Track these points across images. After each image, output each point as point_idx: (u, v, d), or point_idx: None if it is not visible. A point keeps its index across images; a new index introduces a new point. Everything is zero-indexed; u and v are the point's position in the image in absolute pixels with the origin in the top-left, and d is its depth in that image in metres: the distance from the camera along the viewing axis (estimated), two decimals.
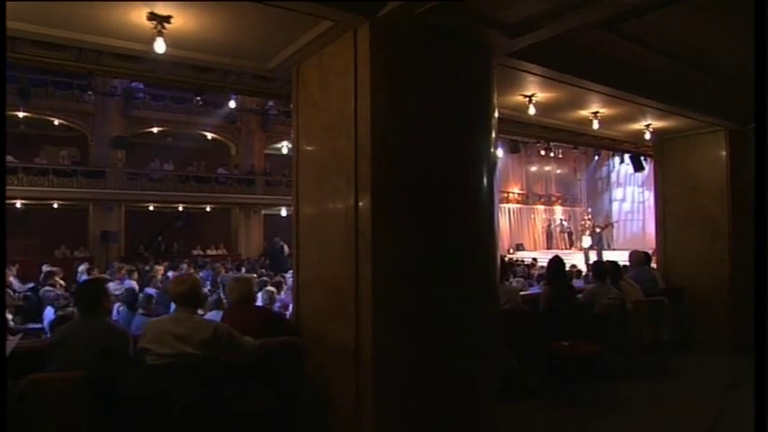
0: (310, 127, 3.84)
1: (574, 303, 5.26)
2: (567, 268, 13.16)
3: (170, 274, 13.39)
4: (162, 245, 20.22)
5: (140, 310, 5.91)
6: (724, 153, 6.76)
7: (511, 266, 14.08)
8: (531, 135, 8.27)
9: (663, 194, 7.40)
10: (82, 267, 12.98)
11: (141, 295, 6.43)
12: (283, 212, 20.63)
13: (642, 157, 11.00)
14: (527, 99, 5.10)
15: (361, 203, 3.21)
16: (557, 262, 5.44)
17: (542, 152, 23.16)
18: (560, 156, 24.81)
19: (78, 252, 18.33)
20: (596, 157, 25.44)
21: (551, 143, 21.09)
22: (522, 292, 5.81)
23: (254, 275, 9.61)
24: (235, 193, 20.50)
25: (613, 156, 24.43)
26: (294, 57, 3.84)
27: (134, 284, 9.07)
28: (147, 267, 14.23)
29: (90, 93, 17.70)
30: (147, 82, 10.64)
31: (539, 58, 4.06)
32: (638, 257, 6.74)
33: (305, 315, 3.91)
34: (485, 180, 3.46)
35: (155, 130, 20.62)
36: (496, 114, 3.64)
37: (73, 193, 17.97)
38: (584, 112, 5.83)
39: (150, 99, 20.23)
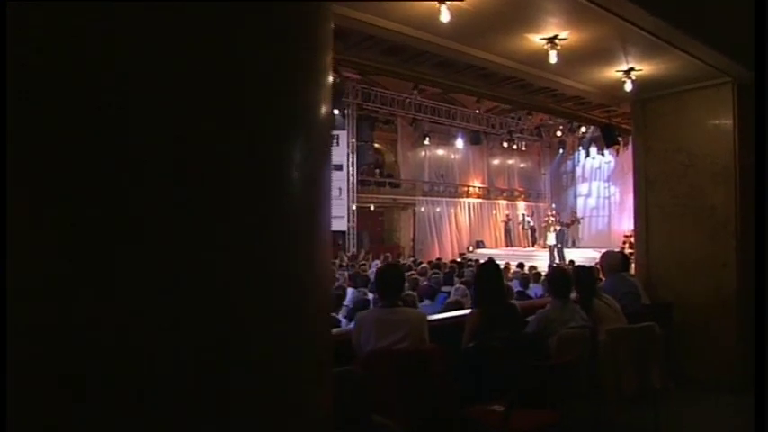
0: None
1: (517, 337, 3.24)
2: (526, 270, 11.34)
3: None
4: None
5: None
6: (730, 119, 4.88)
7: (461, 268, 12.23)
8: (457, 88, 5.76)
9: (644, 175, 5.48)
10: None
11: None
12: None
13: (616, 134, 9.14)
14: None
15: None
16: (487, 270, 3.36)
17: (505, 144, 22.42)
18: (524, 149, 24.25)
19: None
20: (561, 151, 24.98)
21: (511, 131, 19.59)
22: (439, 315, 3.76)
23: None
24: None
25: (579, 148, 23.51)
26: None
27: None
28: None
29: None
30: None
31: None
32: (614, 260, 4.78)
33: None
34: (296, 150, 1.35)
35: None
36: (331, 25, 1.51)
37: None
38: (537, 39, 3.80)
39: None
